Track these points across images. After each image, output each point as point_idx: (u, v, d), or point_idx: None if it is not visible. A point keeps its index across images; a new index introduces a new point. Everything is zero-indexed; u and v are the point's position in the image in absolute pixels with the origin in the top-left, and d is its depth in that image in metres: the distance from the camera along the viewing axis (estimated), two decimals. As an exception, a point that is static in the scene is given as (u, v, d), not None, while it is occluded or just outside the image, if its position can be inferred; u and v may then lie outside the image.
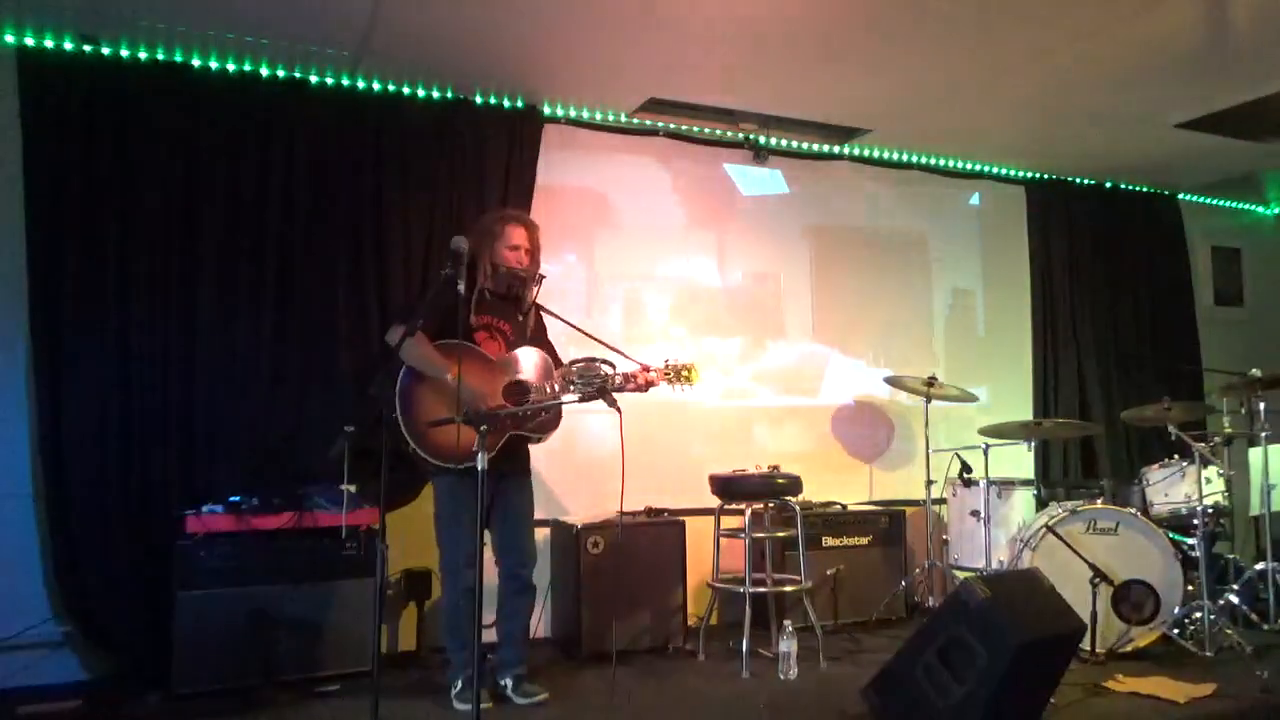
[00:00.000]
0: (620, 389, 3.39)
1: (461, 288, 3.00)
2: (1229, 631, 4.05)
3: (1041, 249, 6.13)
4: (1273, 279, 7.04)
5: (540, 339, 3.73)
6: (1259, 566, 4.46)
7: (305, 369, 4.20)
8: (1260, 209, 7.15)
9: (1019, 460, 5.20)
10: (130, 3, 3.71)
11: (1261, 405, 4.62)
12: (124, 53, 4.01)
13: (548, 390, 3.45)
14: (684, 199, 5.29)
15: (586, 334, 3.74)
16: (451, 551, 3.49)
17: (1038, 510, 4.60)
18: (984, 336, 6.07)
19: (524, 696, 3.52)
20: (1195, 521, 4.28)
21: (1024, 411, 5.89)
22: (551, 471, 4.58)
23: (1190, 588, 4.17)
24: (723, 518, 4.34)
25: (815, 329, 5.57)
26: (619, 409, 3.23)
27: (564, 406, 3.49)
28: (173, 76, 4.09)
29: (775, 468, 4.30)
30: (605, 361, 3.41)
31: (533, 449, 3.70)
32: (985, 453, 4.72)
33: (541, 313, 3.77)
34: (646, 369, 3.51)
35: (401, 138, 4.47)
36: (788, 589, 4.24)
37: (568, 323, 3.78)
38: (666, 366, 3.54)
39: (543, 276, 3.72)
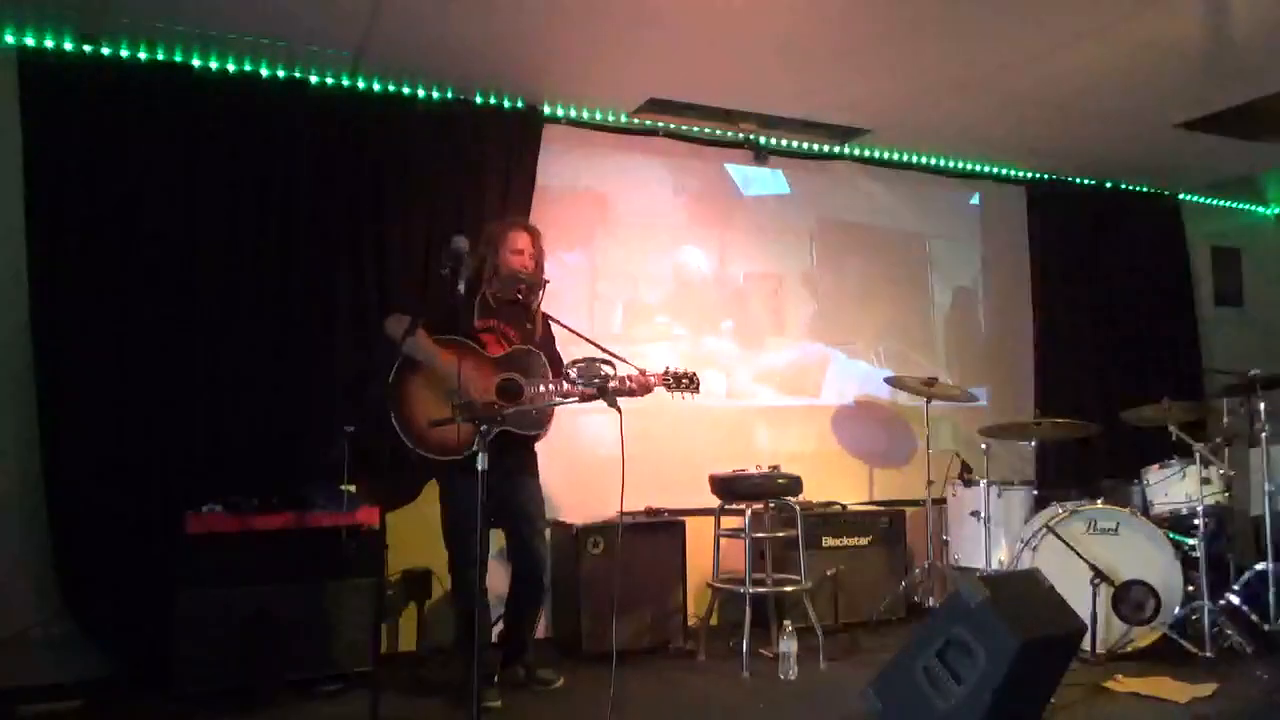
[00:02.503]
0: (620, 393, 3.40)
1: (461, 288, 3.01)
2: (1229, 631, 4.05)
3: (1041, 249, 6.14)
4: (1273, 279, 7.03)
5: (546, 346, 3.77)
6: (1259, 566, 4.45)
7: (305, 369, 4.20)
8: (1260, 209, 7.15)
9: (1019, 460, 5.20)
10: (130, 3, 3.71)
11: (1261, 405, 4.62)
12: (124, 53, 4.01)
13: (541, 390, 3.49)
14: (684, 199, 5.29)
15: (592, 343, 3.76)
16: (460, 555, 3.53)
17: (1038, 510, 4.60)
18: (984, 336, 6.07)
19: (542, 684, 3.68)
20: (1195, 521, 4.27)
21: (1024, 411, 5.88)
22: (551, 471, 4.53)
23: (1190, 588, 4.16)
24: (723, 518, 4.34)
25: (816, 329, 5.57)
26: (619, 409, 3.23)
27: (558, 406, 3.55)
28: (173, 76, 4.08)
29: (775, 468, 4.30)
30: (605, 362, 3.42)
31: (536, 449, 3.76)
32: (985, 453, 4.72)
33: (549, 320, 3.84)
34: (644, 373, 3.58)
35: (401, 138, 4.47)
36: (788, 589, 4.24)
37: (574, 331, 3.82)
38: (666, 373, 3.62)
39: (546, 282, 3.80)
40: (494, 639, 3.92)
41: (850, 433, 5.58)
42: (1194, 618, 4.09)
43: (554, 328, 3.86)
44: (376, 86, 4.48)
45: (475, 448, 2.86)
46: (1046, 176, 6.20)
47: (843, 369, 5.60)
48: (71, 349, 3.83)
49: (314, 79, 4.36)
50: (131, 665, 3.78)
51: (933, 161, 5.88)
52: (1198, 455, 4.32)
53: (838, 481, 5.35)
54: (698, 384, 3.68)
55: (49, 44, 3.89)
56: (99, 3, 3.69)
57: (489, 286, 3.72)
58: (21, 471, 3.82)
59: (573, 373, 3.36)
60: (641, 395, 3.57)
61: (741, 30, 4.04)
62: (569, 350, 3.83)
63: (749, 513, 4.17)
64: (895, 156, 5.77)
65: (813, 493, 4.79)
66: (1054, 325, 6.07)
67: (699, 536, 4.52)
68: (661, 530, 4.48)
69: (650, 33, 4.06)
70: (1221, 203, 6.95)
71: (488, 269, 3.72)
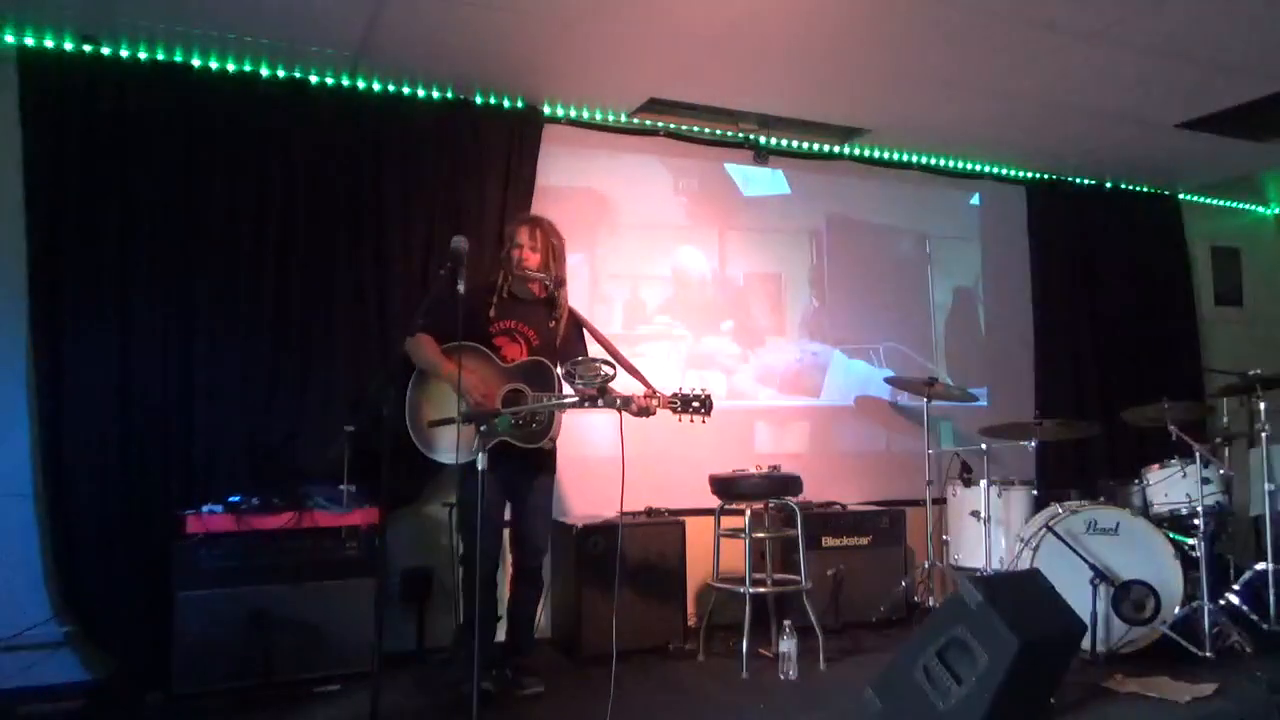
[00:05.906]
0: (619, 407, 3.34)
1: (461, 287, 3.01)
2: (1229, 632, 4.05)
3: (1041, 249, 6.14)
4: (1273, 279, 7.04)
5: (572, 348, 3.70)
6: (1259, 566, 4.45)
7: (305, 368, 4.20)
8: (1260, 209, 7.15)
9: (1019, 460, 5.20)
10: (130, 3, 3.71)
11: (1261, 405, 4.62)
12: (124, 53, 4.01)
13: (545, 402, 3.45)
14: (685, 199, 5.29)
15: (612, 349, 3.76)
16: (469, 547, 3.54)
17: (1038, 510, 4.60)
18: (984, 336, 6.07)
19: (520, 688, 3.60)
20: (1195, 521, 4.27)
21: (1024, 411, 5.88)
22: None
23: (1190, 587, 4.16)
24: (723, 518, 4.34)
25: (816, 329, 5.57)
26: (619, 409, 3.23)
27: (561, 416, 3.52)
28: (173, 76, 4.08)
29: (775, 468, 4.30)
30: (605, 362, 3.41)
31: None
32: (985, 453, 4.72)
33: (579, 320, 3.81)
34: (652, 393, 3.47)
35: (401, 138, 4.47)
36: (788, 589, 4.24)
37: (597, 335, 3.82)
38: (675, 395, 3.49)
39: (562, 280, 3.74)
40: (501, 637, 3.92)
41: (850, 433, 5.58)
42: (1194, 618, 4.09)
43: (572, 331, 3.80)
44: (376, 86, 4.48)
45: (474, 449, 2.86)
46: (1046, 176, 6.20)
47: (843, 369, 5.60)
48: (71, 349, 3.82)
49: (314, 79, 4.36)
50: (132, 665, 3.78)
51: (933, 161, 5.88)
52: (1198, 455, 4.32)
53: (838, 481, 5.35)
54: (710, 407, 3.49)
55: (49, 44, 3.89)
56: (99, 3, 3.69)
57: (507, 284, 3.70)
58: (21, 472, 3.82)
59: (572, 372, 3.34)
60: (644, 417, 3.42)
61: (742, 31, 4.04)
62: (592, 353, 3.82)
63: (749, 513, 4.17)
64: (895, 156, 5.77)
65: (813, 493, 4.79)
66: (1054, 325, 6.07)
67: (699, 536, 4.52)
68: (661, 530, 4.47)
69: (650, 33, 4.06)
70: (1221, 203, 6.95)
71: (505, 267, 3.69)
